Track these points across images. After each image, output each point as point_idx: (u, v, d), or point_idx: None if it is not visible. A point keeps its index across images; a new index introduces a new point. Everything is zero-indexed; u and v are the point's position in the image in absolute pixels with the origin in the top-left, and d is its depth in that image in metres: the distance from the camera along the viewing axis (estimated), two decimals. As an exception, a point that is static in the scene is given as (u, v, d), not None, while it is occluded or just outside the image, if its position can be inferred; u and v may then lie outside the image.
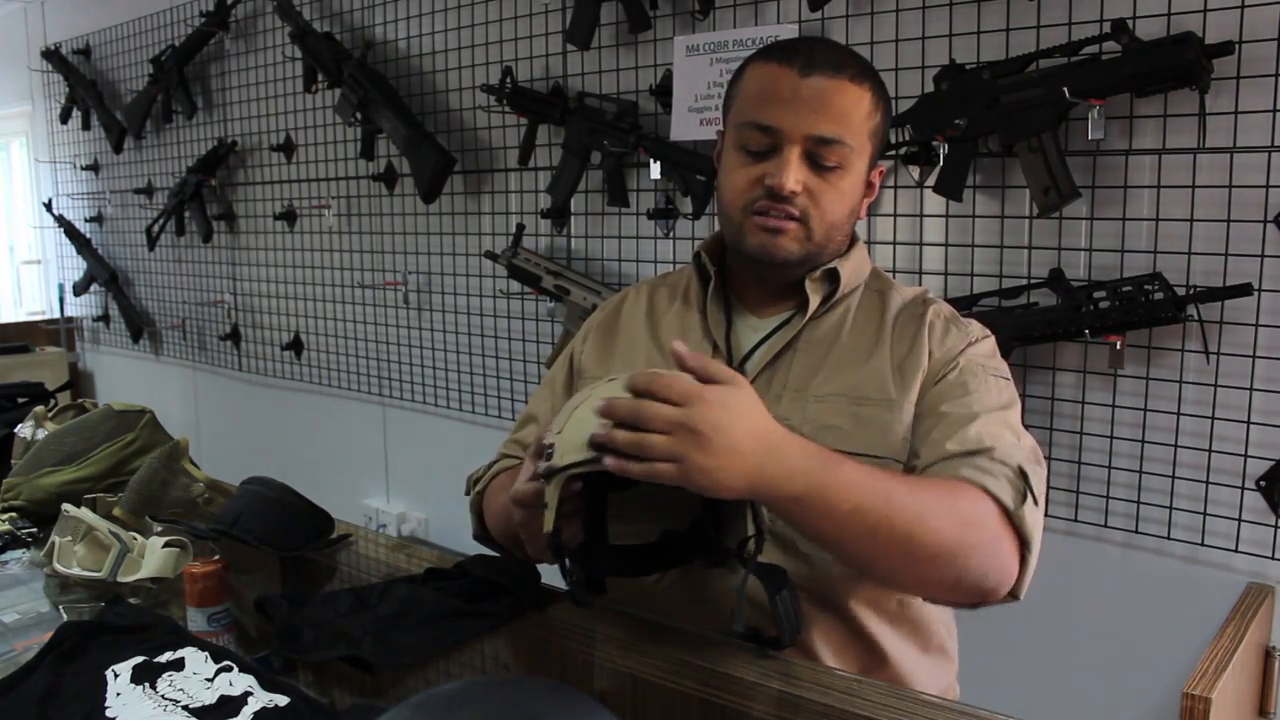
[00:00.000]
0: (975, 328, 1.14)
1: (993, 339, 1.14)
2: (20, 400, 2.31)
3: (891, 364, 1.10)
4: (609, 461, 0.85)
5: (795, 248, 1.09)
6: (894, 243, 1.93)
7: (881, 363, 1.10)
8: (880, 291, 1.18)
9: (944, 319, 1.13)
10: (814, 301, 1.13)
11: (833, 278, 1.14)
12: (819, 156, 1.06)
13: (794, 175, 1.05)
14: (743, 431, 0.85)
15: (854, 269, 1.16)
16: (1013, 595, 0.99)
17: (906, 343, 1.11)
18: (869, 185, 1.14)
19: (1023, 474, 0.99)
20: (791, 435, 0.90)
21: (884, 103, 1.11)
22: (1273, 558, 1.59)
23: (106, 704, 0.92)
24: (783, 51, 1.09)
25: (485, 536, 1.27)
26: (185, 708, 0.91)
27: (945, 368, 1.09)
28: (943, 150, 1.77)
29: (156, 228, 3.59)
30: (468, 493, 1.30)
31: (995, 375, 1.09)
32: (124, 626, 1.06)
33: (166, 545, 1.28)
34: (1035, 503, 0.98)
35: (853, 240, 1.19)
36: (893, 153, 1.87)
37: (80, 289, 4.12)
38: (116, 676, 0.96)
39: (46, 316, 4.65)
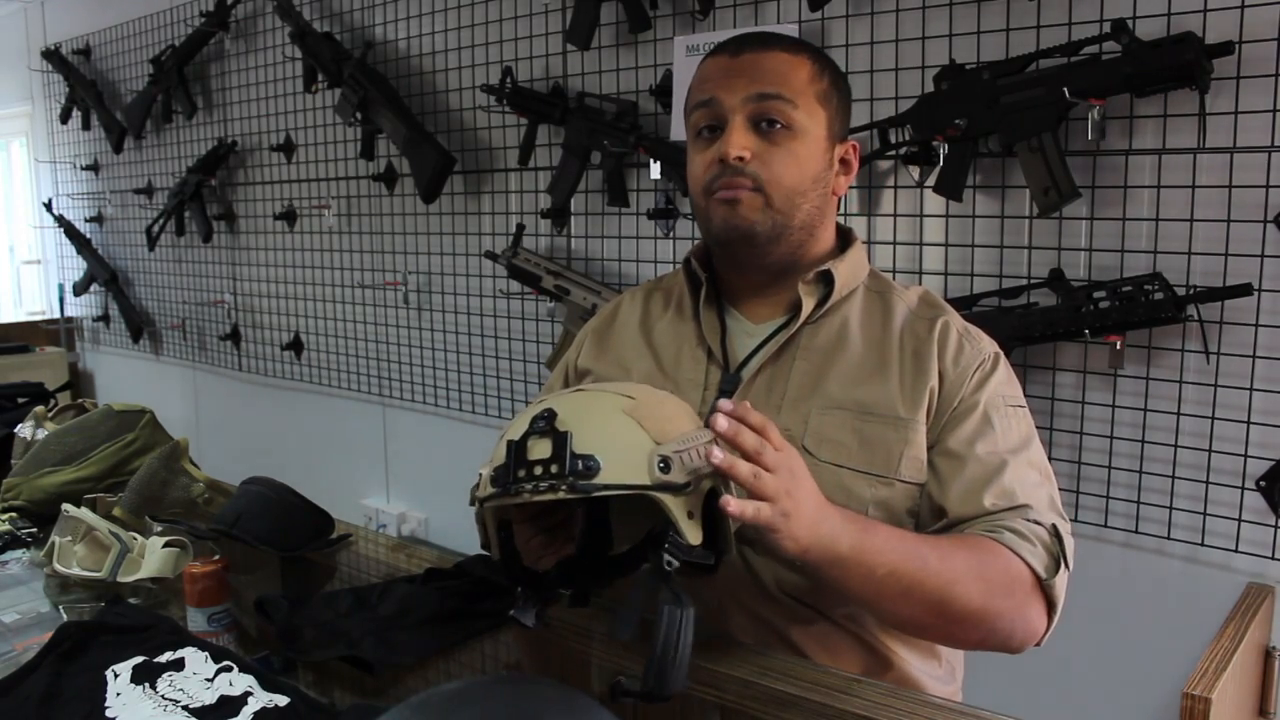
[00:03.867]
0: (985, 342, 1.12)
1: (1003, 356, 1.12)
2: (20, 400, 2.32)
3: (900, 380, 1.08)
4: (733, 507, 0.82)
5: (758, 216, 1.07)
6: (894, 243, 1.93)
7: (889, 378, 1.08)
8: (881, 294, 1.16)
9: (956, 333, 1.11)
10: (808, 305, 1.11)
11: (826, 279, 1.12)
12: (763, 115, 1.06)
13: (738, 140, 1.05)
14: (812, 490, 0.89)
15: (850, 270, 1.14)
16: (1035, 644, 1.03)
17: (915, 356, 1.09)
18: (843, 163, 1.13)
19: (1057, 536, 1.01)
20: (829, 503, 0.92)
21: (830, 71, 1.11)
22: (1273, 558, 1.59)
23: (106, 704, 0.92)
24: (720, 45, 1.12)
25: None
26: (185, 708, 0.91)
27: (965, 400, 1.07)
28: (943, 150, 1.77)
29: (156, 228, 3.59)
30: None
31: (1014, 406, 1.09)
32: (124, 626, 1.06)
33: (166, 545, 1.28)
34: (1067, 567, 1.01)
35: (849, 240, 1.18)
36: (893, 153, 1.87)
37: (80, 289, 4.12)
38: (116, 676, 0.96)
39: (46, 316, 4.64)
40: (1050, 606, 1.00)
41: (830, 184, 1.12)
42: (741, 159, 1.05)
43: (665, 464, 0.83)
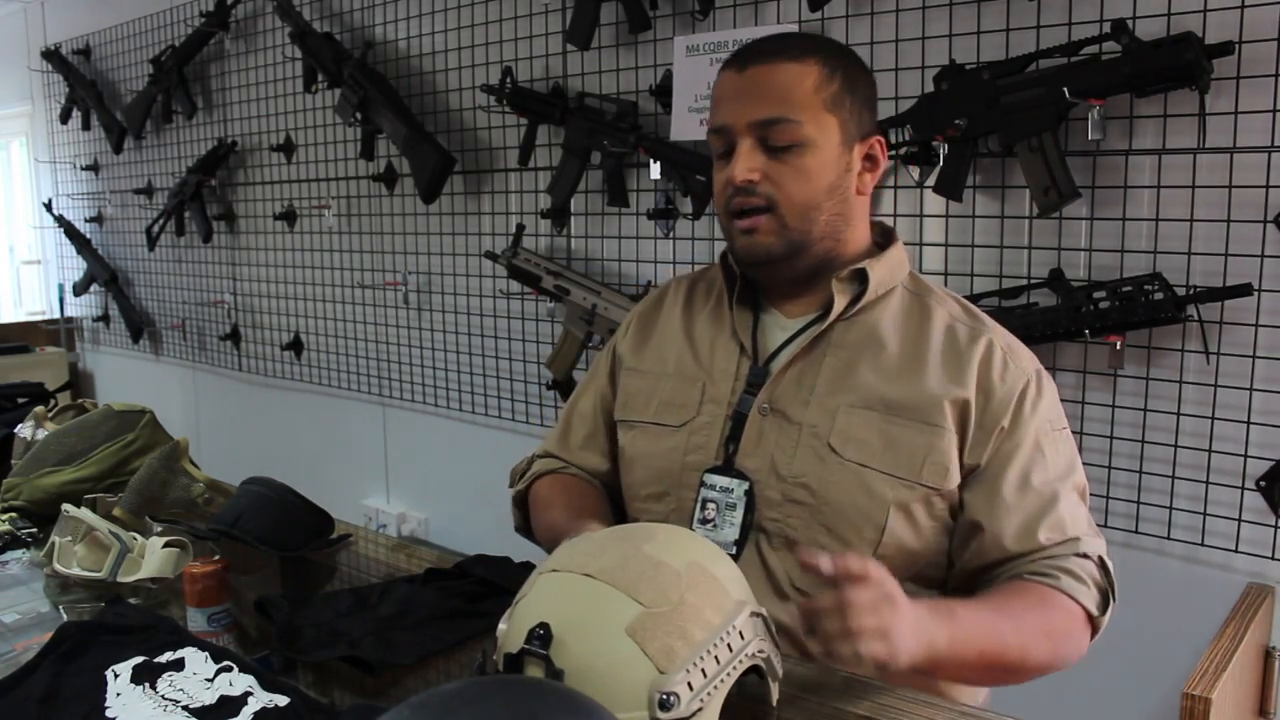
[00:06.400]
0: (1026, 360, 1.11)
1: (1044, 374, 1.12)
2: (20, 400, 2.32)
3: (934, 384, 1.07)
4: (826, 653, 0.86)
5: (773, 240, 1.09)
6: (894, 243, 1.93)
7: (921, 380, 1.08)
8: (919, 296, 1.15)
9: (1000, 350, 1.10)
10: (839, 303, 1.11)
11: (861, 278, 1.12)
12: (769, 139, 1.07)
13: (743, 165, 1.07)
14: (906, 602, 0.91)
15: (887, 270, 1.13)
16: None
17: (953, 365, 1.08)
18: (868, 159, 1.12)
19: (1105, 569, 1.08)
20: (913, 603, 0.93)
21: (843, 71, 1.09)
22: (1273, 558, 1.59)
23: (106, 704, 0.92)
24: (732, 56, 1.12)
25: (527, 531, 1.30)
26: (185, 708, 0.91)
27: (1015, 426, 1.07)
28: (943, 150, 1.77)
29: (156, 228, 3.59)
30: (511, 485, 1.34)
31: (1059, 430, 1.11)
32: (124, 626, 1.06)
33: (166, 545, 1.28)
34: (1114, 599, 1.08)
35: (890, 238, 1.18)
36: (893, 152, 1.86)
37: (80, 289, 4.12)
38: (116, 677, 0.96)
39: (46, 316, 4.64)
40: (1094, 632, 1.08)
41: (851, 187, 1.11)
42: (750, 181, 1.07)
43: (667, 700, 0.79)
